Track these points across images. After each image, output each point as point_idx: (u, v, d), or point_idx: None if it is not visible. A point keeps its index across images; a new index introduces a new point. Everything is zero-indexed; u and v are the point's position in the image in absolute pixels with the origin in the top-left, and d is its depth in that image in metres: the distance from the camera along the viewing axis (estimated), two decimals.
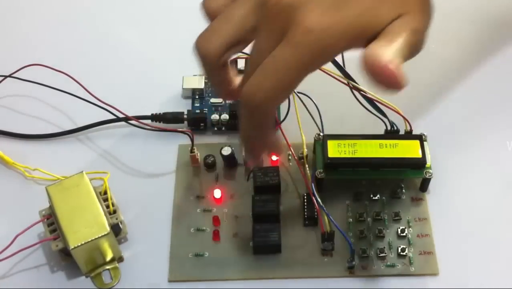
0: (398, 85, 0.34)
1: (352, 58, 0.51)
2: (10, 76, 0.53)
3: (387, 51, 0.35)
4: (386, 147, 0.47)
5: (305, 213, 0.48)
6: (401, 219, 0.48)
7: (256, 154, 0.42)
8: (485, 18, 0.59)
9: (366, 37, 0.36)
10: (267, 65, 0.35)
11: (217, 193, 0.48)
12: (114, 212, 0.47)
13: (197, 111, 0.53)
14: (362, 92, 0.49)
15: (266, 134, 0.39)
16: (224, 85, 0.40)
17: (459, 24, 0.59)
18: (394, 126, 0.49)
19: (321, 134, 0.49)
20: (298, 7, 0.35)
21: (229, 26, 0.37)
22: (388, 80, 0.34)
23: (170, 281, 0.46)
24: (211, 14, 0.39)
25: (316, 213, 0.47)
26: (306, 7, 0.35)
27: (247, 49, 0.39)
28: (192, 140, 0.49)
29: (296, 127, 0.48)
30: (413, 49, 0.37)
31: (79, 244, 0.43)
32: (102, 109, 0.51)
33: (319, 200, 0.46)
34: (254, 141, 0.40)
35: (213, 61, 0.37)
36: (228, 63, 0.39)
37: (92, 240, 0.43)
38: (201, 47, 0.37)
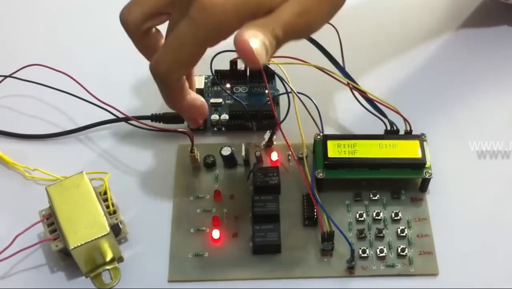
0: (253, 63, 0.36)
1: (352, 58, 0.51)
2: (10, 76, 0.54)
3: (253, 29, 0.36)
4: (386, 147, 0.48)
5: (305, 213, 0.48)
6: (401, 219, 0.48)
7: (185, 116, 0.44)
8: (486, 18, 0.59)
9: (261, 13, 0.37)
10: (168, 40, 0.38)
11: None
12: (114, 212, 0.47)
13: None
14: (362, 92, 0.49)
15: (177, 100, 0.42)
16: (147, 53, 0.42)
17: (459, 25, 0.59)
18: (394, 126, 0.49)
19: (321, 134, 0.49)
20: None
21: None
22: (244, 56, 0.36)
23: (170, 281, 0.46)
24: None
25: (316, 213, 0.47)
26: None
27: None
28: (192, 140, 0.49)
29: (296, 128, 0.48)
30: (299, 29, 0.38)
31: (79, 244, 0.43)
32: (102, 109, 0.51)
33: (319, 200, 0.46)
34: (174, 105, 0.42)
35: (133, 29, 0.40)
36: (150, 32, 0.41)
37: (92, 240, 0.43)
38: (122, 17, 0.41)
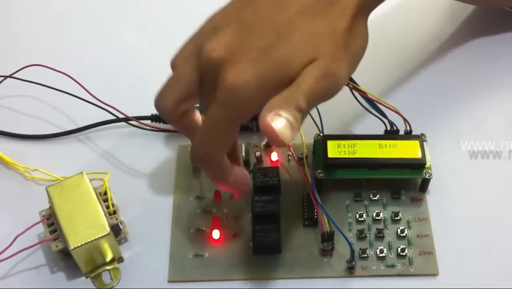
0: (277, 143, 0.37)
1: None
2: (10, 76, 0.54)
3: (275, 108, 0.37)
4: (385, 147, 0.48)
5: (305, 213, 0.48)
6: (401, 219, 0.48)
7: (232, 191, 0.44)
8: (485, 19, 0.59)
9: (283, 85, 0.38)
10: (203, 125, 0.40)
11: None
12: (114, 212, 0.47)
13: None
14: (362, 92, 0.49)
15: (223, 178, 0.42)
16: (188, 133, 0.43)
17: (458, 26, 0.59)
18: (394, 126, 0.49)
19: (321, 134, 0.49)
20: (223, 63, 0.38)
21: (177, 84, 0.41)
22: (270, 138, 0.37)
23: (170, 281, 0.46)
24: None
25: (316, 213, 0.47)
26: (228, 63, 0.38)
27: None
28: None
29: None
30: (322, 94, 0.39)
31: (79, 245, 0.43)
32: (102, 110, 0.51)
33: (319, 200, 0.46)
34: (221, 184, 0.43)
35: (169, 114, 0.41)
36: (188, 113, 0.42)
37: (92, 241, 0.43)
38: (157, 103, 0.41)
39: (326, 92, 0.39)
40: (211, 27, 0.40)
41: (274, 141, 0.37)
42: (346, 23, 0.39)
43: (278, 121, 0.37)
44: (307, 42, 0.38)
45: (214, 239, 0.47)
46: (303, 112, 0.38)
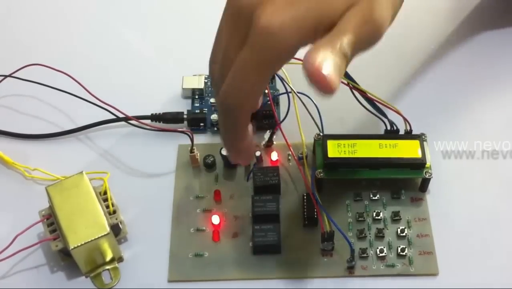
0: (327, 90, 0.34)
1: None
2: (10, 76, 0.53)
3: (321, 54, 0.34)
4: (386, 147, 0.48)
5: (305, 213, 0.48)
6: (401, 219, 0.48)
7: (235, 155, 0.42)
8: (486, 18, 0.59)
9: (322, 28, 0.35)
10: (233, 69, 0.37)
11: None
12: (114, 212, 0.47)
13: (197, 111, 0.53)
14: (362, 92, 0.49)
15: (239, 138, 0.40)
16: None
17: (458, 26, 0.59)
18: (394, 126, 0.49)
19: (321, 134, 0.49)
20: (255, 7, 0.35)
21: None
22: (317, 84, 0.34)
23: (170, 281, 0.46)
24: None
25: (316, 213, 0.47)
26: (261, 6, 0.35)
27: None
28: (192, 140, 0.49)
29: (296, 127, 0.48)
30: (366, 39, 0.36)
31: (79, 244, 0.43)
32: (102, 109, 0.51)
33: (319, 200, 0.46)
34: (232, 143, 0.41)
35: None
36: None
37: (92, 240, 0.43)
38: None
39: (369, 39, 0.36)
40: None
41: (322, 87, 0.33)
42: None
43: (327, 66, 0.33)
44: None
45: (214, 238, 0.47)
46: (347, 59, 0.35)
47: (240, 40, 0.36)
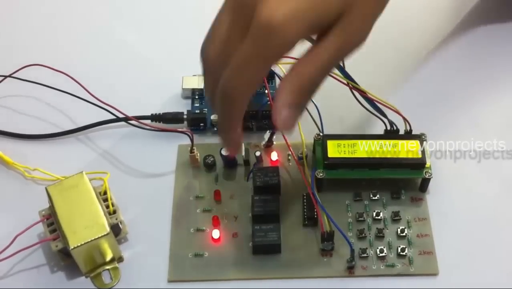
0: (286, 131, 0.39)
1: (352, 58, 0.51)
2: (10, 76, 0.53)
3: (287, 92, 0.38)
4: (386, 147, 0.48)
5: (305, 213, 0.48)
6: (401, 219, 0.48)
7: (226, 144, 0.44)
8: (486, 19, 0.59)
9: (320, 25, 0.37)
10: (234, 60, 0.38)
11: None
12: (114, 212, 0.47)
13: (197, 111, 0.53)
14: (362, 92, 0.49)
15: (236, 124, 0.41)
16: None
17: (458, 26, 0.59)
18: (394, 126, 0.49)
19: (321, 134, 0.49)
20: (257, 0, 0.36)
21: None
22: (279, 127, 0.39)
23: (169, 281, 0.46)
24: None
25: (315, 213, 0.47)
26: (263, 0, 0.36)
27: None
28: (192, 140, 0.49)
29: (296, 127, 0.48)
30: (349, 52, 0.39)
31: (79, 244, 0.43)
32: (102, 109, 0.51)
33: (319, 200, 0.46)
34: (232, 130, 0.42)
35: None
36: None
37: (92, 240, 0.43)
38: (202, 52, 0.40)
39: (348, 55, 0.39)
40: None
41: (283, 130, 0.38)
42: None
43: (284, 113, 0.37)
44: None
45: (214, 238, 0.47)
46: (327, 71, 0.38)
47: (241, 30, 0.37)
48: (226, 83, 0.38)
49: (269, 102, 0.49)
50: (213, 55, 0.39)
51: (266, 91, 0.51)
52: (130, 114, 0.51)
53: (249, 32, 0.37)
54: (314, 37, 0.39)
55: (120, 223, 0.47)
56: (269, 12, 0.36)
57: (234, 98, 0.39)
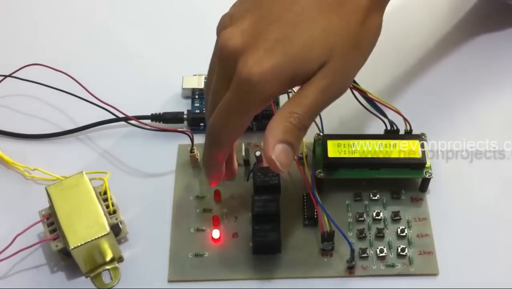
0: (278, 172, 0.39)
1: None
2: (10, 76, 0.53)
3: (276, 134, 0.39)
4: (386, 146, 0.48)
5: (305, 213, 0.48)
6: (401, 219, 0.48)
7: (207, 176, 0.46)
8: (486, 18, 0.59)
9: (299, 80, 0.39)
10: (218, 108, 0.40)
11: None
12: (114, 212, 0.47)
13: (197, 111, 0.53)
14: (362, 92, 0.49)
15: (213, 165, 0.44)
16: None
17: (458, 26, 0.59)
18: (394, 126, 0.49)
19: (321, 134, 0.49)
20: (239, 54, 0.39)
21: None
22: (271, 167, 0.39)
23: (170, 281, 0.46)
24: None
25: (316, 213, 0.47)
26: (245, 53, 0.38)
27: None
28: (192, 140, 0.49)
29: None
30: (329, 102, 0.40)
31: (79, 244, 0.43)
32: (102, 109, 0.51)
33: (319, 200, 0.46)
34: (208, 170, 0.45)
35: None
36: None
37: (92, 240, 0.43)
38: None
39: (332, 100, 0.40)
40: (229, 17, 0.41)
41: (275, 170, 0.39)
42: (360, 17, 0.39)
43: (278, 151, 0.39)
44: (322, 39, 0.39)
45: (214, 238, 0.47)
46: (308, 125, 0.39)
47: (226, 81, 0.40)
48: (210, 127, 0.42)
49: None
50: (208, 103, 0.43)
51: None
52: (130, 114, 0.51)
53: (231, 84, 0.39)
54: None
55: (120, 223, 0.47)
56: (248, 70, 0.38)
57: (216, 141, 0.42)
